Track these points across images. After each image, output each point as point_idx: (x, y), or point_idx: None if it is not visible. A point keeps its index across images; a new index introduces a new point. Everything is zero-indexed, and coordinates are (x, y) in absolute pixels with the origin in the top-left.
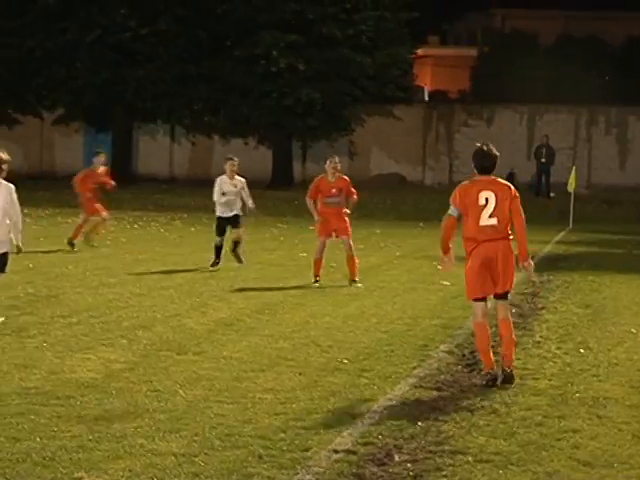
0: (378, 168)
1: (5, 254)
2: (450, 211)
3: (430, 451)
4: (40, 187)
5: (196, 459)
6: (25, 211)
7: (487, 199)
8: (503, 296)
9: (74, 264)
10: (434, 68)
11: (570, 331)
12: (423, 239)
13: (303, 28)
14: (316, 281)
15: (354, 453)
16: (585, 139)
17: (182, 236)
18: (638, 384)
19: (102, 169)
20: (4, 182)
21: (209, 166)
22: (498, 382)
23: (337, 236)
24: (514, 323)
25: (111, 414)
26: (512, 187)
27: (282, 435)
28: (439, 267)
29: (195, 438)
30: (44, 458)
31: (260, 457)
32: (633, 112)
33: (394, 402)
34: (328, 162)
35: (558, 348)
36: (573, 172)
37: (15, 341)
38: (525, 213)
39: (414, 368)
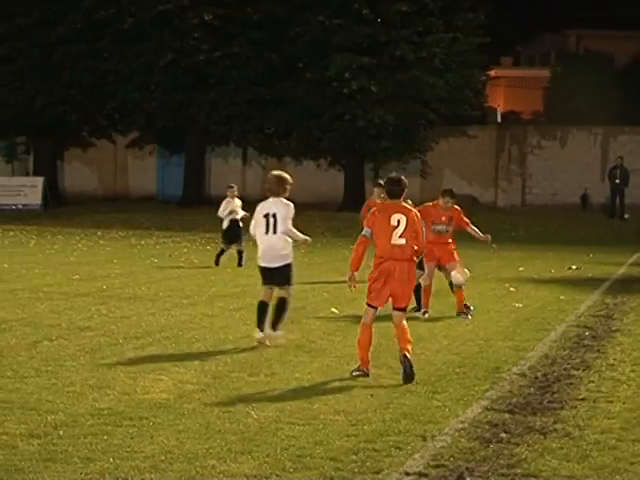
0: None
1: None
2: (364, 232)
3: (502, 474)
4: (114, 209)
5: None
6: (99, 233)
7: (399, 221)
8: (400, 309)
9: (147, 285)
10: (507, 89)
11: None
12: (495, 261)
13: (375, 50)
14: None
15: (426, 475)
16: None
17: (253, 257)
18: None
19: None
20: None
21: None
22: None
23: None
24: (588, 346)
25: (183, 435)
26: (418, 215)
27: (353, 457)
28: (511, 289)
29: (266, 459)
30: (117, 478)
31: (331, 479)
32: None
33: (466, 424)
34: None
35: (632, 371)
36: None
37: (89, 362)
38: (600, 235)
39: (486, 390)
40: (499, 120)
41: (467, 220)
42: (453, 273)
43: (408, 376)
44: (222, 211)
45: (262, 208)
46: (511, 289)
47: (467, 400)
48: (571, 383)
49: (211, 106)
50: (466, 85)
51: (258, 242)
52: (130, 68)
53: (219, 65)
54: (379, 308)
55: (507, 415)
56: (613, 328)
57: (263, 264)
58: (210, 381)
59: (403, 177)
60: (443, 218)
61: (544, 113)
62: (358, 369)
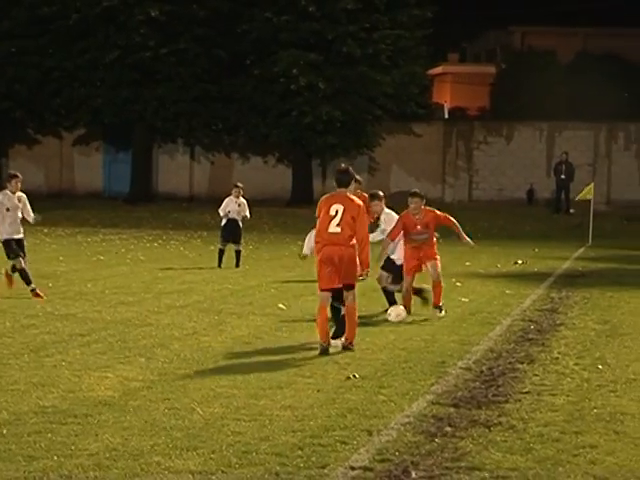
0: (398, 185)
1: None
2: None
3: (447, 467)
4: (60, 206)
5: (213, 477)
6: (45, 230)
7: (337, 211)
8: (349, 287)
9: (93, 283)
10: (453, 85)
11: (588, 347)
12: (442, 256)
13: (322, 47)
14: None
15: (371, 470)
16: (604, 155)
17: (201, 254)
18: None
19: None
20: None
21: (229, 184)
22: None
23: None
24: (533, 339)
25: (128, 432)
26: (359, 203)
27: (299, 452)
28: (457, 283)
29: (212, 456)
30: (61, 476)
31: (277, 474)
32: None
33: (411, 418)
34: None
35: (576, 364)
36: (589, 186)
37: (33, 360)
38: (545, 229)
39: (431, 385)
40: (446, 116)
41: (449, 216)
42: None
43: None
44: (222, 209)
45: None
46: (457, 284)
47: (413, 394)
48: (516, 377)
49: (158, 103)
50: (412, 81)
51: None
52: (75, 64)
53: (166, 62)
54: (331, 291)
55: (452, 409)
56: (558, 322)
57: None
58: (156, 378)
59: (351, 168)
60: (418, 227)
61: (490, 109)
62: (319, 345)
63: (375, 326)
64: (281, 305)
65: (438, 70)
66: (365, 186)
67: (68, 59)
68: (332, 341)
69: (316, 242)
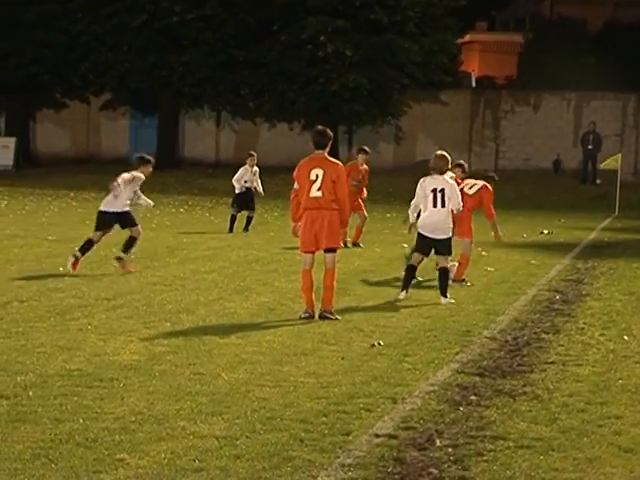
0: (424, 154)
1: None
2: (295, 185)
3: (471, 436)
4: (86, 170)
5: (237, 442)
6: (71, 195)
7: (317, 175)
8: (330, 250)
9: (118, 247)
10: (481, 54)
11: (614, 318)
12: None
13: (350, 13)
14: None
15: (395, 437)
16: (632, 126)
17: (227, 220)
18: None
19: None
20: None
21: (255, 151)
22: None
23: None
24: (558, 310)
25: (153, 396)
26: (338, 165)
27: (323, 419)
28: (483, 253)
29: (237, 421)
30: (87, 439)
31: (301, 440)
32: None
33: (436, 387)
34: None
35: (601, 335)
36: (617, 156)
37: (59, 323)
38: (571, 200)
39: (456, 353)
40: (473, 85)
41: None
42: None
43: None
44: (238, 179)
45: (428, 184)
46: (483, 253)
47: (437, 363)
48: (541, 347)
49: (184, 68)
50: (440, 50)
51: (424, 215)
52: (103, 29)
53: (192, 27)
54: (314, 253)
55: (477, 378)
56: (583, 292)
57: (427, 234)
58: (181, 343)
59: (328, 129)
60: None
61: (518, 78)
62: (305, 312)
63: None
64: None
65: (466, 38)
66: (392, 154)
67: (96, 23)
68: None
69: (297, 205)
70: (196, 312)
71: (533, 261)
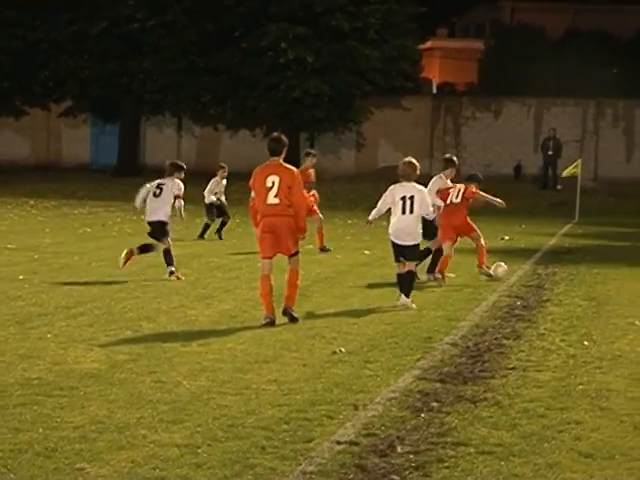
0: (385, 160)
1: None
2: (252, 194)
3: (432, 442)
4: (46, 178)
5: (199, 450)
6: (31, 202)
7: (273, 182)
8: (292, 256)
9: (79, 255)
10: (442, 60)
11: (574, 323)
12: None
13: (311, 20)
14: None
15: (356, 444)
16: (592, 132)
17: (188, 227)
18: None
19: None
20: None
21: (216, 157)
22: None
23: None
24: (519, 315)
25: (114, 405)
26: (293, 171)
27: (285, 426)
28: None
29: (198, 429)
30: (46, 449)
31: (263, 448)
32: None
33: (397, 393)
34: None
35: (562, 340)
36: (576, 162)
37: (19, 332)
38: (532, 206)
39: (418, 360)
40: (434, 91)
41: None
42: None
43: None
44: (210, 190)
45: (397, 192)
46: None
47: (399, 369)
48: (502, 352)
49: (145, 75)
50: (401, 56)
51: (393, 222)
52: (63, 36)
53: (153, 34)
54: (272, 258)
55: (438, 384)
56: (544, 298)
57: (397, 241)
58: (142, 351)
59: (283, 136)
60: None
61: (478, 85)
62: (265, 317)
63: (361, 301)
64: None
65: (427, 45)
66: (353, 160)
67: (55, 31)
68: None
69: (254, 212)
70: (157, 320)
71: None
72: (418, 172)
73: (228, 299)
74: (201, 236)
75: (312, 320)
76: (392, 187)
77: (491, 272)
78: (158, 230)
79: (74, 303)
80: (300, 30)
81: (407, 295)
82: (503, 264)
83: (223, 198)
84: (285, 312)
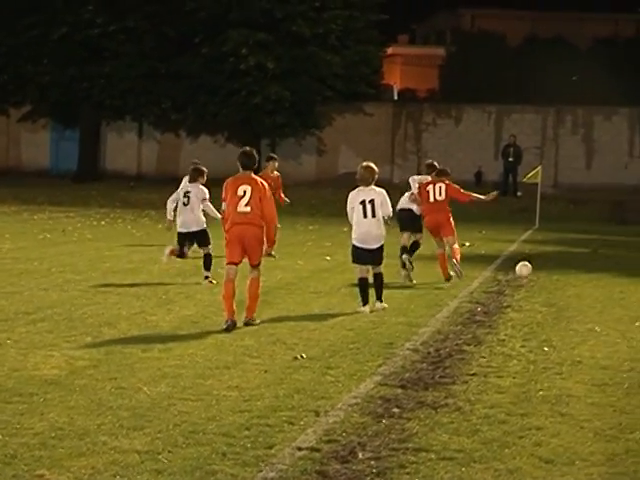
0: (346, 166)
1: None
2: (223, 206)
3: (393, 448)
4: (5, 183)
5: (159, 456)
6: None
7: (245, 191)
8: (254, 266)
9: (39, 261)
10: (403, 67)
11: (534, 329)
12: (390, 237)
13: (272, 26)
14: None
15: (318, 450)
16: (552, 139)
17: (149, 233)
18: (600, 382)
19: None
20: None
21: (177, 163)
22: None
23: None
24: (480, 321)
25: (74, 411)
26: (264, 183)
27: (246, 432)
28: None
29: (158, 435)
30: (5, 455)
31: (224, 454)
32: (599, 112)
33: (358, 399)
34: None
35: (522, 346)
36: (537, 169)
37: None
38: (492, 212)
39: (379, 366)
40: (395, 98)
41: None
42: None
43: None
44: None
45: (357, 196)
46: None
47: (360, 375)
48: (463, 358)
49: (105, 80)
50: (363, 62)
51: (355, 227)
52: (22, 41)
53: (113, 39)
54: (238, 265)
55: (399, 390)
56: (504, 304)
57: (360, 245)
58: (102, 357)
59: (254, 151)
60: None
61: (439, 91)
62: (226, 321)
63: (323, 307)
64: None
65: (388, 51)
66: (314, 166)
67: (15, 35)
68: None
69: (227, 221)
70: (118, 326)
71: (454, 273)
72: (376, 176)
73: (189, 305)
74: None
75: (273, 326)
76: (352, 193)
77: (456, 271)
78: (202, 238)
79: (34, 309)
80: (261, 36)
81: (380, 299)
82: (528, 264)
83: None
84: (247, 324)
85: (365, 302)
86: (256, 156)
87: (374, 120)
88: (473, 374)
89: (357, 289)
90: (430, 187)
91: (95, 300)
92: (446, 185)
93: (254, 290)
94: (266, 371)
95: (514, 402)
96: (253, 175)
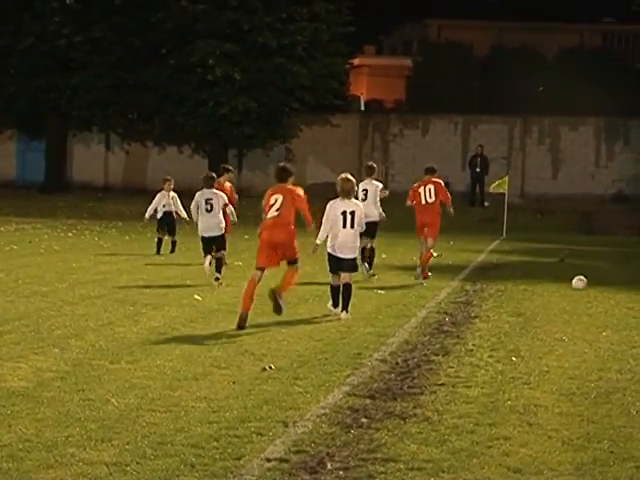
0: (314, 177)
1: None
2: (262, 216)
3: (362, 459)
4: None
5: (128, 468)
6: None
7: (276, 199)
8: (292, 262)
9: (5, 272)
10: (370, 78)
11: (502, 339)
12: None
13: (239, 37)
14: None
15: (286, 461)
16: (519, 149)
17: (116, 244)
18: (568, 392)
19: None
20: None
21: (144, 174)
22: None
23: None
24: (448, 332)
25: (42, 423)
26: (298, 193)
27: (215, 444)
28: (375, 276)
29: (127, 447)
30: None
31: (192, 466)
32: (565, 122)
33: (327, 410)
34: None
35: (490, 356)
36: (504, 179)
37: None
38: (460, 222)
39: (347, 376)
40: (362, 108)
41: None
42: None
43: (275, 309)
44: (157, 203)
45: (338, 207)
46: (375, 276)
47: (328, 386)
48: (431, 369)
49: (72, 91)
50: (329, 74)
51: (333, 236)
52: None
53: (80, 50)
54: (264, 270)
55: (368, 400)
56: (472, 314)
57: (336, 254)
58: (70, 369)
59: (289, 166)
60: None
61: (406, 102)
62: (240, 315)
63: (291, 317)
64: (197, 296)
65: (355, 62)
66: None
67: None
68: (342, 314)
69: (262, 226)
70: (85, 337)
71: (423, 283)
72: (356, 188)
73: (157, 316)
74: (158, 252)
75: (241, 337)
76: (332, 203)
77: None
78: (220, 242)
79: (1, 321)
80: (227, 47)
81: (346, 309)
82: (584, 278)
83: (178, 212)
84: (273, 293)
85: (336, 305)
86: (291, 170)
87: (341, 131)
88: (441, 384)
89: (330, 293)
90: (421, 189)
91: (62, 312)
92: (435, 186)
93: (290, 277)
94: (234, 382)
95: (482, 412)
96: (285, 186)
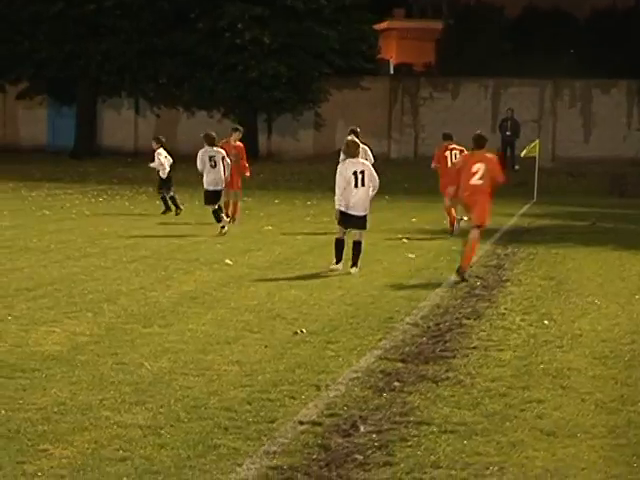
0: (343, 141)
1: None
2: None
3: (395, 422)
4: (3, 160)
5: (162, 431)
6: None
7: (479, 169)
8: (477, 227)
9: (38, 237)
10: (399, 41)
11: (534, 303)
12: (388, 212)
13: (267, 1)
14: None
15: (319, 424)
16: (550, 112)
17: (147, 209)
18: (601, 355)
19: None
20: None
21: (174, 139)
22: None
23: None
24: (479, 295)
25: (76, 387)
26: (494, 159)
27: (247, 407)
28: (404, 239)
29: (160, 410)
30: (9, 430)
31: (226, 429)
32: (597, 85)
33: (359, 374)
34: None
35: (522, 320)
36: (535, 143)
37: None
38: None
39: (379, 340)
40: (392, 72)
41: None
42: None
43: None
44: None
45: (348, 167)
46: (404, 240)
47: (361, 350)
48: (463, 332)
49: (102, 56)
50: (358, 37)
51: (346, 194)
52: (18, 17)
53: (110, 15)
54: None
55: (400, 364)
56: (504, 278)
57: (348, 211)
58: (103, 333)
59: (483, 134)
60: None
61: (436, 65)
62: (462, 270)
63: (322, 282)
64: (228, 261)
65: (383, 25)
66: (311, 141)
67: (10, 12)
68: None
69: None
70: (118, 302)
71: (454, 247)
72: (360, 149)
73: (189, 281)
74: (166, 210)
75: (273, 301)
76: (342, 164)
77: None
78: (218, 196)
79: (34, 285)
80: (256, 10)
81: (356, 264)
82: None
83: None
84: (458, 270)
85: (339, 260)
86: (484, 137)
87: (371, 95)
88: (473, 347)
89: (334, 246)
90: (447, 153)
91: (95, 276)
92: (460, 151)
93: (469, 247)
94: (267, 346)
95: (515, 375)
96: (485, 153)
